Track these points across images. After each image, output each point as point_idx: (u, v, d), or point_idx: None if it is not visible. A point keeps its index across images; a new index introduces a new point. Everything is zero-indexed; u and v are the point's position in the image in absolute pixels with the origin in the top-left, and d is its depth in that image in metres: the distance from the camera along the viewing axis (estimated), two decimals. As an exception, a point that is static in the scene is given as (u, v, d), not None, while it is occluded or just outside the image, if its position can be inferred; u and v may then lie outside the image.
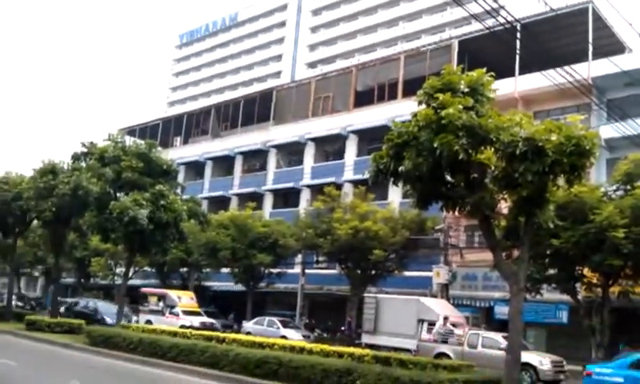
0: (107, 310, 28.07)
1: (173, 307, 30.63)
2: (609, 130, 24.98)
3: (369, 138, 36.93)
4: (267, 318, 29.94)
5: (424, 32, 73.42)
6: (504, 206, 13.94)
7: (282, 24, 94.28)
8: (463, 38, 35.32)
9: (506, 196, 13.30)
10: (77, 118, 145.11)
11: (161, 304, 31.27)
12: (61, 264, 31.22)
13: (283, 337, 25.27)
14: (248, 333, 26.63)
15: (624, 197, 19.03)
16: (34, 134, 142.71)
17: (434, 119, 12.35)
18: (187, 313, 29.99)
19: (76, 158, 26.19)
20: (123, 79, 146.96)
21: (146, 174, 24.89)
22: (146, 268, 39.14)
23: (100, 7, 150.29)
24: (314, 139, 40.74)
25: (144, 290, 34.17)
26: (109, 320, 25.81)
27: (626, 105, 25.40)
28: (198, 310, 31.42)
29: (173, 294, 32.13)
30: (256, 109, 45.30)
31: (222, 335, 18.35)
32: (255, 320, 30.36)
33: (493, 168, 12.85)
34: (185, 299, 31.57)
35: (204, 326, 26.70)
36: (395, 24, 78.55)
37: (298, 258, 34.72)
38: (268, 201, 42.81)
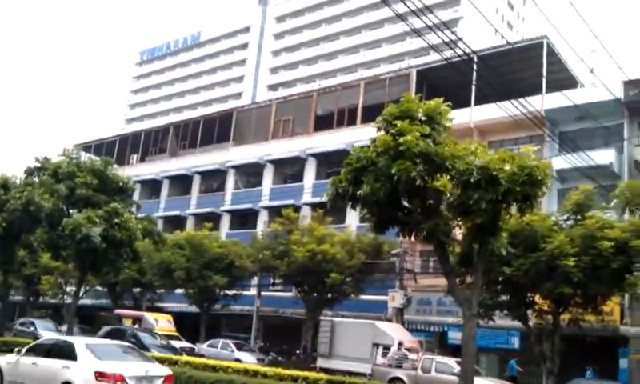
0: (46, 328, 27.06)
1: (150, 331, 29.42)
2: (560, 162, 25.72)
3: (328, 161, 37.14)
4: (221, 341, 29.46)
5: (383, 60, 74.77)
6: (458, 233, 14.17)
7: (244, 46, 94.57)
8: (422, 67, 36.07)
9: (460, 223, 13.53)
10: (32, 132, 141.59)
11: (136, 327, 30.14)
12: (10, 281, 30.17)
13: (237, 360, 24.87)
14: (202, 355, 26.13)
15: (574, 226, 19.48)
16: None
17: (392, 145, 12.54)
18: (165, 337, 28.69)
19: (29, 172, 25.58)
20: (81, 95, 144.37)
21: (100, 191, 24.44)
22: (98, 287, 38.14)
23: (60, 21, 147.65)
24: (273, 161, 40.74)
25: (118, 311, 33.22)
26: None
27: (577, 137, 26.28)
28: (176, 334, 30.22)
29: (150, 316, 31.18)
30: (216, 129, 45.08)
31: (175, 357, 17.95)
32: (209, 342, 29.84)
33: (448, 195, 13.07)
34: (162, 322, 30.57)
35: (184, 351, 25.28)
36: (356, 51, 79.74)
37: (254, 280, 34.40)
38: (225, 221, 42.45)
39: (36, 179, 25.19)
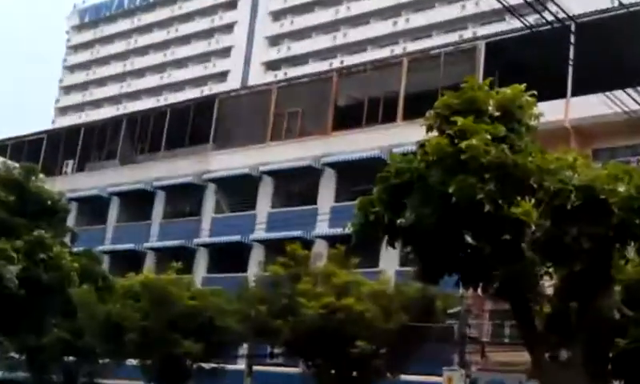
0: None
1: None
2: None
3: (353, 175, 37.17)
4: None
5: (436, 27, 75.40)
6: (548, 285, 14.05)
7: (232, 4, 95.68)
8: (493, 38, 36.13)
9: (551, 270, 13.43)
10: None
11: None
12: None
13: None
14: None
15: None
16: None
17: (449, 153, 12.58)
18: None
19: None
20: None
21: (19, 213, 24.62)
22: (13, 354, 38.26)
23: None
24: (272, 173, 40.88)
25: None
26: None
27: None
28: None
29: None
30: (189, 125, 45.43)
31: None
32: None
33: (533, 228, 12.99)
34: None
35: None
36: (396, 14, 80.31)
37: (244, 349, 34.34)
38: (201, 260, 42.60)
39: None
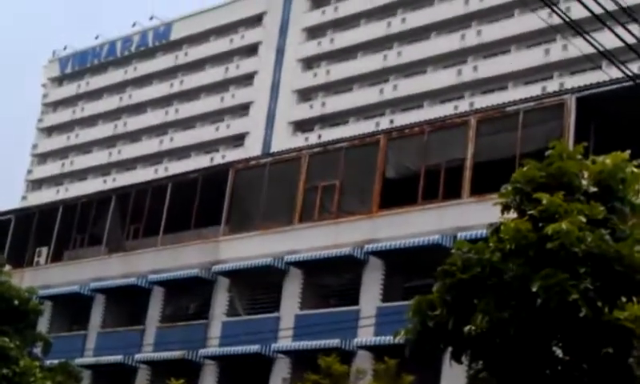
0: None
1: None
2: None
3: (406, 266, 37.20)
4: None
5: (513, 77, 75.89)
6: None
7: (251, 50, 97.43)
8: (586, 91, 36.00)
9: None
10: None
11: None
12: None
13: None
14: None
15: None
16: None
17: (532, 240, 12.56)
18: None
19: None
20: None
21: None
22: None
23: None
24: (302, 264, 40.64)
25: None
26: None
27: None
28: None
29: None
30: (195, 202, 45.53)
31: None
32: None
33: (645, 340, 12.81)
34: None
35: None
36: (461, 61, 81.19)
37: None
38: (209, 377, 42.33)
39: None
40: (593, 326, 12.43)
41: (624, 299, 12.59)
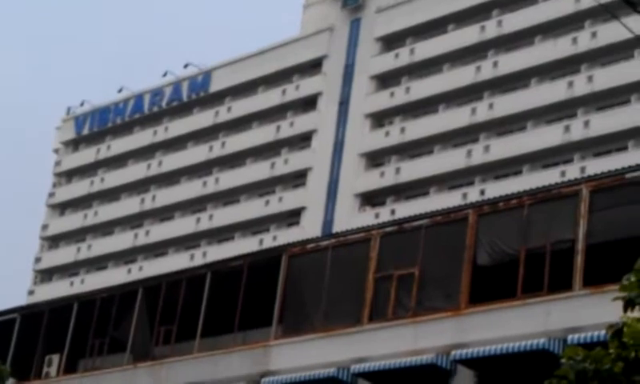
0: None
1: None
2: None
3: (503, 379, 36.94)
4: None
5: (631, 136, 75.22)
6: None
7: (308, 103, 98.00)
8: None
9: None
10: None
11: None
12: None
13: None
14: None
15: None
16: None
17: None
18: None
19: None
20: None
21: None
22: None
23: None
24: (372, 376, 40.38)
25: None
26: None
27: None
28: None
29: None
30: (240, 296, 45.60)
31: None
32: None
33: None
34: None
35: None
36: (570, 114, 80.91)
37: None
38: None
39: None
40: None
41: None
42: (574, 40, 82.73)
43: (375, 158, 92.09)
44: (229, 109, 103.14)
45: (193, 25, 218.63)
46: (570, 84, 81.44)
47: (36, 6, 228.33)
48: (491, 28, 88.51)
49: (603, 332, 13.68)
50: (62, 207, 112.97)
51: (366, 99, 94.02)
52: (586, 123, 79.65)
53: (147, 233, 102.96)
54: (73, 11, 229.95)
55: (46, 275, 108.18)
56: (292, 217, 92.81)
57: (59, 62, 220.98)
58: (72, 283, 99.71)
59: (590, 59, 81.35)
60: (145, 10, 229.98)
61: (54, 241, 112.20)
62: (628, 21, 18.83)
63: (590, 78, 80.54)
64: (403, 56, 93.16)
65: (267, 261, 47.25)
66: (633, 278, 13.36)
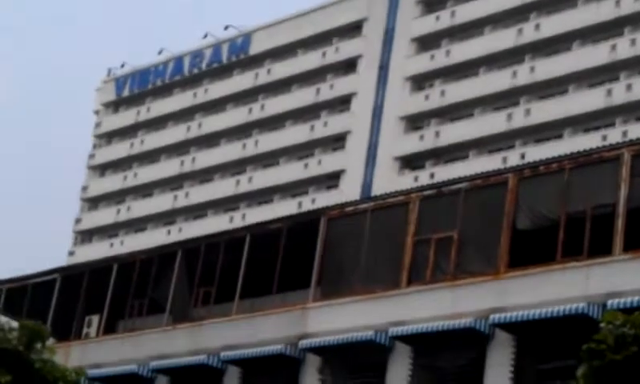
0: None
1: None
2: None
3: (542, 343, 36.71)
4: None
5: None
6: None
7: (348, 65, 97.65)
8: None
9: None
10: None
11: None
12: None
13: None
14: None
15: None
16: None
17: None
18: None
19: None
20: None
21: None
22: None
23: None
24: (411, 339, 40.28)
25: None
26: None
27: None
28: None
29: None
30: (279, 259, 45.60)
31: None
32: None
33: None
34: None
35: None
36: (612, 77, 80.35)
37: None
38: None
39: None
40: None
41: None
42: (617, 2, 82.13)
43: (415, 122, 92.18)
44: (268, 71, 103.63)
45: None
46: (613, 47, 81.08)
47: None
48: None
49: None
50: (102, 168, 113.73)
51: (406, 62, 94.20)
52: (629, 87, 79.19)
53: (187, 195, 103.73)
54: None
55: (86, 236, 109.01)
56: (331, 180, 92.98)
57: (101, 24, 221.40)
58: (112, 244, 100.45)
59: (634, 22, 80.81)
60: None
61: (93, 202, 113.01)
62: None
63: (632, 42, 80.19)
64: (444, 18, 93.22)
65: (306, 224, 47.35)
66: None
